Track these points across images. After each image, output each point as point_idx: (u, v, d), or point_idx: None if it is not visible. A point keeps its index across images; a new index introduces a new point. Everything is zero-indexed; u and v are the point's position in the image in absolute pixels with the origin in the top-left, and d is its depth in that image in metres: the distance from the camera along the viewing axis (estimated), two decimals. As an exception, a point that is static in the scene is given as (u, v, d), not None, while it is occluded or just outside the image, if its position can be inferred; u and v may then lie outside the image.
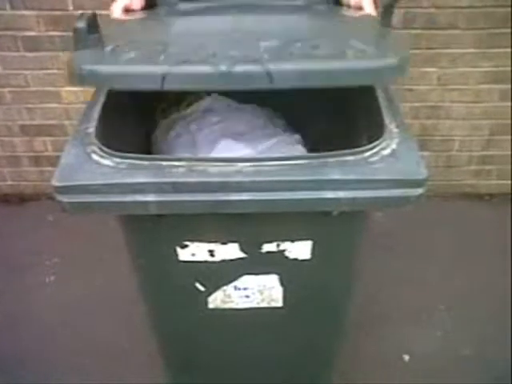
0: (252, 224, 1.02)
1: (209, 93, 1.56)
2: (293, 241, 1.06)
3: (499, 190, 2.49)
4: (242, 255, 1.09)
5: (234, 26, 0.99)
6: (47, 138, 2.40)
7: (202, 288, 1.16)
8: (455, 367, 1.72)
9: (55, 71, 2.20)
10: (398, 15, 2.04)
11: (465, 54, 2.14)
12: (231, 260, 1.09)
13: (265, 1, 1.19)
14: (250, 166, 0.91)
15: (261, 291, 1.16)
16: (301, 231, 1.05)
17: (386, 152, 0.94)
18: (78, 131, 1.01)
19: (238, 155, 1.17)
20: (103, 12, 1.96)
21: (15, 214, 2.44)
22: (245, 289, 1.16)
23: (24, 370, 1.73)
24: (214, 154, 1.24)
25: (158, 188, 0.90)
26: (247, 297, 1.18)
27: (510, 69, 2.15)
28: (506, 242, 2.15)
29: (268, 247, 1.07)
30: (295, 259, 1.10)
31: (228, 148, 1.26)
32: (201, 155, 1.26)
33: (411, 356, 1.77)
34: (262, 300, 1.18)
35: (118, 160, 0.93)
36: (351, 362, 1.67)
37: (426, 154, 2.39)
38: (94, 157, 0.94)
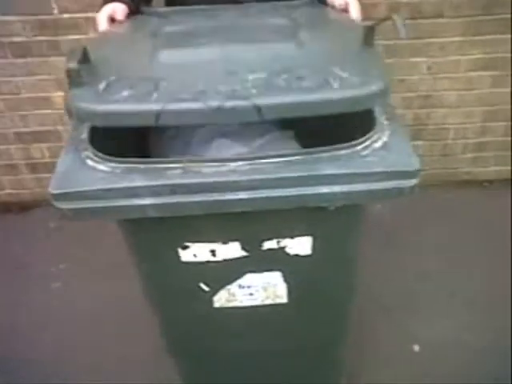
0: (251, 222, 1.03)
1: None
2: (293, 237, 1.07)
3: (498, 176, 2.50)
4: (244, 253, 1.09)
5: (221, 56, 1.01)
6: (43, 145, 2.40)
7: (206, 288, 1.16)
8: (464, 357, 1.73)
9: (45, 77, 2.20)
10: (382, 6, 2.05)
11: (453, 42, 2.15)
12: (233, 259, 1.10)
13: (247, 21, 1.22)
14: (245, 164, 0.92)
15: (265, 288, 1.17)
16: (300, 227, 1.06)
17: (378, 144, 0.94)
18: (72, 137, 1.02)
19: (232, 154, 1.17)
20: (89, 15, 1.99)
21: (17, 222, 2.45)
22: (249, 287, 1.17)
23: (30, 373, 1.75)
24: (209, 154, 1.24)
25: (154, 191, 0.91)
26: (251, 294, 1.19)
27: (499, 55, 2.16)
28: (507, 228, 2.16)
29: (269, 244, 1.08)
30: (296, 255, 1.10)
31: (223, 147, 1.27)
32: (196, 155, 1.27)
33: (421, 346, 1.77)
34: (267, 297, 1.19)
35: (113, 165, 0.93)
36: (361, 355, 1.68)
37: (420, 143, 2.40)
38: (89, 162, 0.94)
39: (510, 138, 2.39)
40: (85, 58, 0.97)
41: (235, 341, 1.30)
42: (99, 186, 0.91)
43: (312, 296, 1.21)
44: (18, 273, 2.15)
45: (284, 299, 1.19)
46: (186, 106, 0.88)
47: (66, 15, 2.05)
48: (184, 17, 1.29)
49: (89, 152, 0.96)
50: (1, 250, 2.26)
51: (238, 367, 1.40)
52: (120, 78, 0.96)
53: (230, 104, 0.87)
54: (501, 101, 2.30)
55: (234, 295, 1.18)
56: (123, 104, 0.90)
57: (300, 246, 1.09)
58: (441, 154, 2.46)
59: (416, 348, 1.78)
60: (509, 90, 2.26)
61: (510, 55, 2.15)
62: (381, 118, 1.00)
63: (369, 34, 1.03)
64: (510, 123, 2.35)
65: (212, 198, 0.92)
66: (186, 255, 1.09)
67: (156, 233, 1.05)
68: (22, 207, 2.52)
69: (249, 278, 1.15)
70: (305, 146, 1.28)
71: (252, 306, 1.20)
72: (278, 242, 1.08)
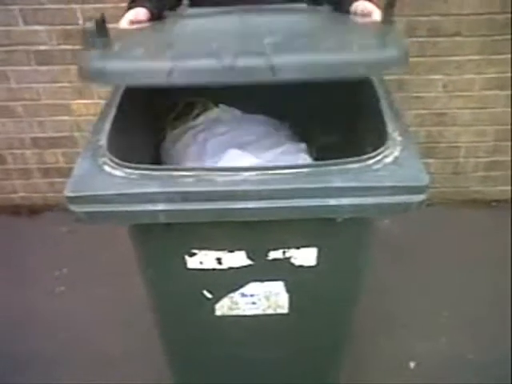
0: (258, 232, 1.04)
1: (217, 104, 1.60)
2: (298, 248, 1.08)
3: (506, 196, 2.49)
4: (249, 262, 1.11)
5: (238, 26, 1.01)
6: (58, 150, 2.44)
7: (209, 295, 1.18)
8: (460, 373, 1.72)
9: (66, 84, 2.25)
10: (401, 23, 2.07)
11: (469, 61, 2.15)
12: (238, 267, 1.11)
13: (270, 6, 1.22)
14: (256, 174, 0.94)
15: (267, 298, 1.18)
16: (306, 238, 1.07)
17: (389, 159, 0.96)
18: (90, 143, 1.04)
19: (244, 164, 1.19)
20: (111, 26, 2.04)
21: (26, 225, 2.48)
22: (251, 295, 1.18)
23: (34, 375, 1.76)
24: (222, 164, 1.26)
25: (167, 197, 0.93)
26: (254, 303, 1.20)
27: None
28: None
29: (274, 254, 1.09)
30: (301, 266, 1.11)
31: (235, 157, 1.29)
32: (209, 165, 1.29)
33: (417, 363, 1.77)
34: (269, 306, 1.20)
35: (129, 171, 0.96)
36: (358, 370, 1.68)
37: (432, 161, 2.40)
38: (106, 168, 0.97)
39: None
40: (102, 25, 0.96)
41: (235, 348, 1.31)
42: (114, 191, 0.93)
43: (313, 307, 1.21)
44: (23, 275, 2.17)
45: (285, 309, 1.20)
46: (198, 64, 0.86)
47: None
48: (205, 16, 1.28)
49: (106, 158, 0.99)
50: (9, 252, 2.28)
51: (236, 374, 1.40)
52: (135, 42, 0.96)
53: (242, 61, 0.85)
54: (513, 121, 2.30)
55: (236, 303, 1.19)
56: (135, 62, 0.89)
57: (305, 257, 1.10)
58: (452, 172, 2.46)
59: (412, 365, 1.77)
60: (522, 110, 2.26)
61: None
62: (393, 134, 1.01)
63: (388, 11, 1.01)
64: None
65: (222, 207, 0.93)
66: (192, 262, 1.10)
67: (165, 239, 1.07)
68: (33, 211, 2.55)
69: (252, 287, 1.16)
70: (317, 161, 1.30)
71: (253, 315, 1.21)
72: (284, 253, 1.09)
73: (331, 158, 0.97)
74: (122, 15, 1.40)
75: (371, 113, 1.14)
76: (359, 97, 1.26)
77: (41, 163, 2.49)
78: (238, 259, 1.10)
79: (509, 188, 2.47)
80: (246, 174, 0.94)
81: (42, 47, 2.16)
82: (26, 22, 2.10)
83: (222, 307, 1.20)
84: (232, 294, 1.18)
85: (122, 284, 1.91)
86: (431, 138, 2.37)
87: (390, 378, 1.72)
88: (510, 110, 2.27)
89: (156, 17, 1.36)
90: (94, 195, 0.93)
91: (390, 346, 1.82)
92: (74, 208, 0.95)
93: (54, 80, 2.24)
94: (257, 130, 1.44)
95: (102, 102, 1.25)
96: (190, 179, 0.94)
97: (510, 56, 2.12)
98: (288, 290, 1.17)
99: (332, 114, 1.49)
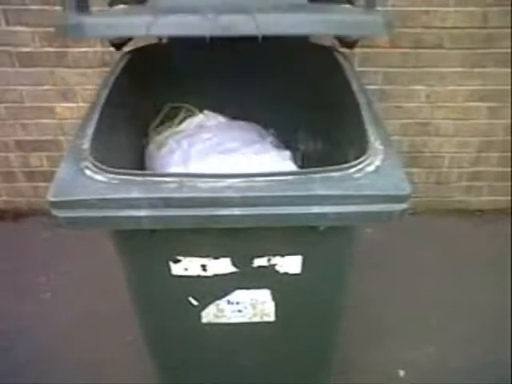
0: (243, 239, 1.05)
1: (201, 110, 1.60)
2: (283, 255, 1.09)
3: (490, 205, 2.52)
4: (234, 270, 1.11)
5: None
6: (43, 154, 2.41)
7: (195, 302, 1.17)
8: (449, 381, 1.72)
9: (50, 87, 2.22)
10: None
11: (452, 73, 2.19)
12: (223, 275, 1.11)
13: None
14: (240, 181, 0.94)
15: (253, 305, 1.18)
16: (290, 246, 1.08)
17: (371, 168, 0.97)
18: (73, 147, 1.04)
19: (228, 171, 1.19)
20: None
21: (10, 229, 2.43)
22: (237, 303, 1.18)
23: (18, 380, 1.73)
24: (206, 170, 1.26)
25: (150, 203, 0.92)
26: (240, 311, 1.19)
27: (496, 87, 2.21)
28: (496, 257, 2.18)
29: (259, 262, 1.10)
30: (286, 273, 1.12)
31: (219, 164, 1.29)
32: (193, 171, 1.28)
33: (406, 371, 1.77)
34: (255, 314, 1.20)
35: (111, 176, 0.95)
36: (347, 378, 1.67)
37: (416, 170, 2.43)
38: (88, 172, 0.96)
39: (503, 169, 2.42)
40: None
41: (222, 356, 1.31)
42: (96, 196, 0.92)
43: (300, 315, 1.22)
44: (8, 281, 2.14)
45: (271, 317, 1.20)
46: (179, 17, 0.87)
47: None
48: None
49: (88, 162, 0.98)
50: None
51: (222, 380, 1.39)
52: (114, 6, 0.96)
53: (227, 15, 0.85)
54: (496, 132, 2.34)
55: (222, 311, 1.19)
56: (114, 16, 0.90)
57: (290, 264, 1.10)
58: (435, 181, 2.49)
59: (401, 373, 1.77)
60: (504, 121, 2.30)
61: (507, 87, 2.19)
62: (375, 143, 1.02)
63: None
64: (503, 154, 2.38)
65: (206, 213, 0.93)
66: (177, 269, 1.10)
67: (148, 245, 1.06)
68: (17, 215, 2.51)
69: (238, 295, 1.16)
70: (302, 168, 1.31)
71: (240, 323, 1.21)
72: (269, 260, 1.09)
73: (315, 166, 0.98)
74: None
75: (354, 122, 1.15)
76: (341, 107, 1.28)
77: (25, 167, 2.45)
78: (222, 266, 1.10)
79: (493, 198, 2.51)
80: (230, 180, 0.94)
81: (26, 49, 2.13)
82: (8, 23, 2.07)
83: (208, 314, 1.20)
84: (218, 302, 1.17)
85: (108, 289, 1.89)
86: (415, 148, 2.39)
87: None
88: (491, 121, 2.31)
89: None
90: (76, 200, 0.92)
91: (379, 354, 1.82)
92: (56, 213, 0.94)
93: (37, 82, 2.21)
94: (241, 137, 1.44)
95: (86, 105, 1.24)
96: (173, 185, 0.94)
97: (490, 70, 2.16)
98: (274, 298, 1.17)
99: (316, 123, 1.50)
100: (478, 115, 2.30)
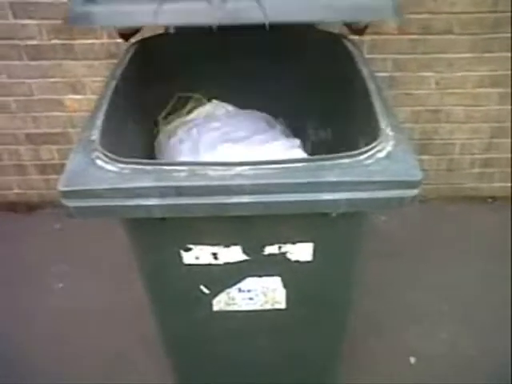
0: (254, 227, 1.05)
1: (210, 99, 1.60)
2: (294, 243, 1.09)
3: (502, 192, 2.50)
4: (245, 258, 1.11)
5: None
6: (53, 146, 2.43)
7: (206, 291, 1.18)
8: (461, 368, 1.73)
9: (59, 79, 2.23)
10: (392, 21, 2.08)
11: (461, 59, 2.16)
12: (234, 263, 1.12)
13: None
14: (250, 169, 0.94)
15: (264, 293, 1.19)
16: (301, 233, 1.08)
17: (382, 154, 0.96)
18: (82, 138, 1.04)
19: (238, 159, 1.19)
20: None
21: (22, 221, 2.46)
22: (248, 291, 1.18)
23: (30, 372, 1.76)
24: (216, 159, 1.26)
25: (160, 192, 0.93)
26: (251, 299, 1.20)
27: (507, 72, 2.18)
28: (507, 244, 2.16)
29: (270, 249, 1.10)
30: (297, 261, 1.12)
31: (229, 153, 1.29)
32: (202, 160, 1.29)
33: (417, 358, 1.78)
34: (266, 302, 1.20)
35: (121, 165, 0.96)
36: (357, 365, 1.68)
37: (427, 157, 2.41)
38: (99, 162, 0.97)
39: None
40: None
41: (232, 343, 1.31)
42: (107, 186, 0.93)
43: (310, 302, 1.22)
44: (19, 271, 2.17)
45: (282, 305, 1.21)
46: (186, 5, 0.86)
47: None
48: None
49: (98, 152, 0.98)
50: (5, 249, 2.28)
51: (233, 369, 1.40)
52: None
53: (234, 2, 0.85)
54: (507, 118, 2.31)
55: (233, 299, 1.19)
56: (121, 4, 0.88)
57: (301, 251, 1.10)
58: (447, 168, 2.47)
59: (412, 360, 1.78)
60: (516, 107, 2.27)
61: (517, 73, 2.17)
62: (386, 129, 1.02)
63: None
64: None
65: (216, 201, 0.93)
66: (188, 257, 1.10)
67: (160, 234, 1.07)
68: (29, 207, 2.54)
69: (249, 282, 1.16)
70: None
71: (251, 311, 1.21)
72: (280, 248, 1.09)
73: (325, 154, 0.98)
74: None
75: (364, 109, 1.14)
76: (352, 94, 1.27)
77: (36, 159, 2.47)
78: (233, 254, 1.10)
79: (505, 185, 2.48)
80: (240, 168, 0.94)
81: (33, 42, 2.13)
82: (16, 16, 2.08)
83: (220, 302, 1.20)
84: (229, 290, 1.18)
85: (120, 279, 1.91)
86: (426, 135, 2.37)
87: (390, 373, 1.72)
88: (503, 107, 2.28)
89: None
90: (87, 189, 0.93)
91: (390, 341, 1.82)
92: (66, 202, 0.94)
93: (46, 75, 2.22)
94: (251, 126, 1.44)
95: (95, 97, 1.25)
96: (184, 173, 0.94)
97: (500, 54, 2.13)
98: (285, 286, 1.17)
99: (326, 111, 1.50)
100: (489, 101, 2.27)
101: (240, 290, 1.18)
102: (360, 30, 1.42)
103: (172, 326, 1.30)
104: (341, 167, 0.93)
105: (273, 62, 1.48)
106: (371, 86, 1.16)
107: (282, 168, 0.94)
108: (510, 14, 2.03)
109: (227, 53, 1.47)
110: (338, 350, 1.40)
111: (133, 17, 0.89)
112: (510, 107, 2.28)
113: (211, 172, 0.94)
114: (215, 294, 1.19)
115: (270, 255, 1.10)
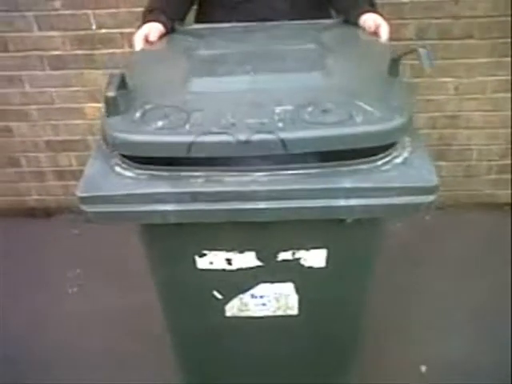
0: (268, 232, 1.05)
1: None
2: (308, 249, 1.08)
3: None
4: (259, 263, 1.11)
5: (249, 87, 1.05)
6: (71, 153, 2.47)
7: (219, 296, 1.18)
8: (472, 378, 1.70)
9: (79, 88, 2.28)
10: (411, 26, 2.08)
11: (480, 64, 2.14)
12: (248, 268, 1.12)
13: (276, 46, 1.25)
14: (266, 175, 0.95)
15: (277, 299, 1.18)
16: (316, 239, 1.07)
17: (399, 160, 0.96)
18: (101, 144, 1.06)
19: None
20: (125, 30, 2.08)
21: (41, 227, 2.51)
22: (261, 297, 1.18)
23: (44, 375, 1.78)
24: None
25: (176, 198, 0.94)
26: (263, 305, 1.20)
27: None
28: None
29: (284, 255, 1.10)
30: (310, 267, 1.11)
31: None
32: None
33: (428, 367, 1.75)
34: (278, 308, 1.20)
35: (139, 171, 0.97)
36: (368, 373, 1.66)
37: (444, 163, 2.39)
38: (117, 169, 0.98)
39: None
40: (122, 86, 1.00)
41: (245, 350, 1.31)
42: (125, 191, 0.94)
43: (323, 309, 1.21)
44: (36, 275, 2.20)
45: (295, 311, 1.20)
46: (215, 139, 0.91)
47: (103, 30, 2.14)
48: (215, 38, 1.34)
49: (116, 159, 1.00)
50: (23, 253, 2.31)
51: (246, 375, 1.39)
52: (154, 108, 1.00)
53: (256, 138, 0.90)
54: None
55: (246, 305, 1.19)
56: (157, 135, 0.93)
57: (315, 258, 1.10)
58: (464, 174, 2.44)
59: (423, 368, 1.75)
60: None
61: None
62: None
63: (394, 66, 1.06)
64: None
65: (232, 207, 0.94)
66: (202, 262, 1.11)
67: (175, 239, 1.07)
68: (47, 213, 2.59)
69: (262, 288, 1.16)
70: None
71: (263, 317, 1.21)
72: (293, 254, 1.09)
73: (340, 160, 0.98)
74: (137, 23, 1.43)
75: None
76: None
77: (55, 166, 2.52)
78: (247, 260, 1.11)
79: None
80: (256, 174, 0.95)
81: (56, 52, 2.19)
82: (40, 28, 2.14)
83: (232, 308, 1.20)
84: (242, 295, 1.18)
85: (134, 285, 1.92)
86: (443, 141, 2.35)
87: (400, 382, 1.70)
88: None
89: (170, 28, 1.40)
90: (105, 195, 0.95)
91: (401, 349, 1.80)
92: (85, 208, 0.96)
93: (67, 84, 2.27)
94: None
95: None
96: (200, 180, 0.95)
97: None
98: (298, 292, 1.17)
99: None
100: (508, 106, 2.24)
101: (253, 296, 1.18)
102: None
103: (184, 330, 1.30)
104: (357, 173, 0.93)
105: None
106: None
107: (298, 174, 0.94)
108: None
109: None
110: (350, 356, 1.38)
111: (169, 149, 0.94)
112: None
113: (227, 178, 0.95)
114: (228, 300, 1.19)
115: (283, 261, 1.10)
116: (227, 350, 1.32)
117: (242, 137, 0.90)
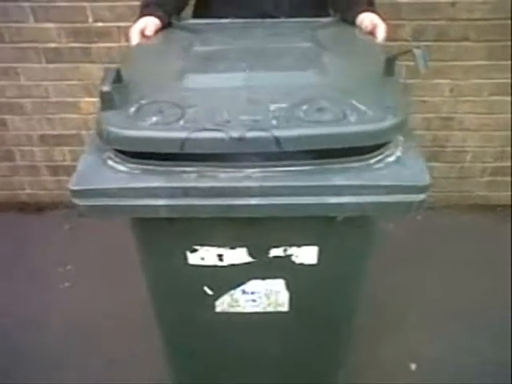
0: (260, 229, 1.05)
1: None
2: (299, 246, 1.09)
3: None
4: (250, 260, 1.11)
5: (245, 84, 1.04)
6: (66, 148, 2.46)
7: (209, 292, 1.18)
8: (462, 376, 1.71)
9: (75, 82, 2.27)
10: (408, 27, 2.08)
11: (476, 66, 2.15)
12: (239, 264, 1.12)
13: (273, 44, 1.25)
14: (259, 171, 0.95)
15: (267, 295, 1.19)
16: (307, 236, 1.08)
17: (391, 159, 0.96)
18: (94, 138, 1.05)
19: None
20: (122, 24, 2.07)
21: (33, 222, 2.50)
22: (252, 293, 1.18)
23: (34, 372, 1.78)
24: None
25: (169, 192, 0.94)
26: (254, 301, 1.20)
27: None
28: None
29: (275, 252, 1.10)
30: (302, 264, 1.12)
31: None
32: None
33: (418, 365, 1.77)
34: (269, 304, 1.20)
35: (132, 165, 0.97)
36: (357, 370, 1.67)
37: (437, 165, 2.40)
38: (110, 162, 0.98)
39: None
40: (118, 80, 1.00)
41: (234, 345, 1.31)
42: (117, 185, 0.94)
43: (314, 306, 1.21)
44: (27, 270, 2.19)
45: (285, 308, 1.20)
46: (209, 136, 0.91)
47: (99, 24, 2.13)
48: (212, 33, 1.34)
49: (110, 153, 0.99)
50: (14, 248, 2.30)
51: (236, 371, 1.40)
52: (149, 103, 1.00)
53: (250, 135, 0.90)
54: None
55: (236, 301, 1.19)
56: (151, 131, 0.93)
57: (306, 255, 1.10)
58: (457, 176, 2.45)
59: (413, 366, 1.76)
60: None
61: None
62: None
63: (389, 65, 1.06)
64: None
65: (224, 203, 0.94)
66: (193, 258, 1.11)
67: (167, 234, 1.08)
68: (39, 208, 2.57)
69: (253, 284, 1.16)
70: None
71: (253, 313, 1.21)
72: (285, 250, 1.10)
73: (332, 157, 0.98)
74: (134, 17, 1.43)
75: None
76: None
77: (48, 161, 2.51)
78: (239, 256, 1.11)
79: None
80: (249, 170, 0.95)
81: (52, 45, 2.17)
82: (36, 19, 2.12)
83: (223, 304, 1.21)
84: (232, 291, 1.18)
85: (128, 280, 1.91)
86: (437, 142, 2.36)
87: (390, 380, 1.71)
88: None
89: (166, 23, 1.40)
90: (97, 189, 0.94)
91: (391, 347, 1.82)
92: (77, 201, 0.96)
93: (62, 78, 2.26)
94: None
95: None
96: (193, 175, 0.95)
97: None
98: (288, 289, 1.17)
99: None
100: (503, 109, 2.26)
101: (244, 292, 1.18)
102: None
103: (174, 325, 1.30)
104: (349, 171, 0.94)
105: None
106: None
107: (291, 171, 0.94)
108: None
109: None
110: (339, 354, 1.39)
111: (163, 145, 0.94)
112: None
113: (220, 173, 0.95)
114: (219, 296, 1.19)
115: (274, 257, 1.11)
116: (217, 345, 1.32)
117: (236, 134, 0.90)
